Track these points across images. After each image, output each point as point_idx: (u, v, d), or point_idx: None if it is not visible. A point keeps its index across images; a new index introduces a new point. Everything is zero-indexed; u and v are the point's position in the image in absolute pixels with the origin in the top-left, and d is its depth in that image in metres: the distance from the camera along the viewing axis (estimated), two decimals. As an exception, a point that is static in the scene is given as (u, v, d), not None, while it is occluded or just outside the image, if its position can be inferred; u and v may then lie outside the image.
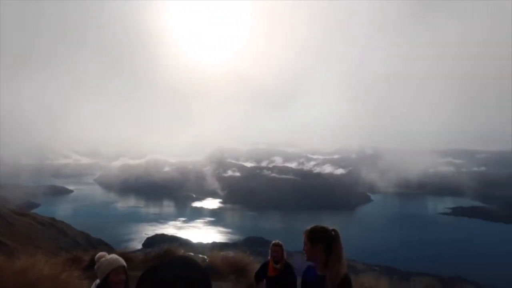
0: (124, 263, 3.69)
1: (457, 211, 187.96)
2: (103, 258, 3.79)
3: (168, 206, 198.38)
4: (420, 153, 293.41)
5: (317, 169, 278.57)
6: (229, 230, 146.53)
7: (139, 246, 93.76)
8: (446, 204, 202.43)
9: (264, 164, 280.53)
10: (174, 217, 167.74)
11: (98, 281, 3.77)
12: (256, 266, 8.11)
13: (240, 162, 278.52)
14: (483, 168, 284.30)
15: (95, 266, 3.76)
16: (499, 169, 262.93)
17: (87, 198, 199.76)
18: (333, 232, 3.30)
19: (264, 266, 6.17)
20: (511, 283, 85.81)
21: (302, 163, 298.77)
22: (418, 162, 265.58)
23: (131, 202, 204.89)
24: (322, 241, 3.20)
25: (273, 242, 6.10)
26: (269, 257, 6.13)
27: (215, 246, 65.72)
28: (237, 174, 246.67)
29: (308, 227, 3.30)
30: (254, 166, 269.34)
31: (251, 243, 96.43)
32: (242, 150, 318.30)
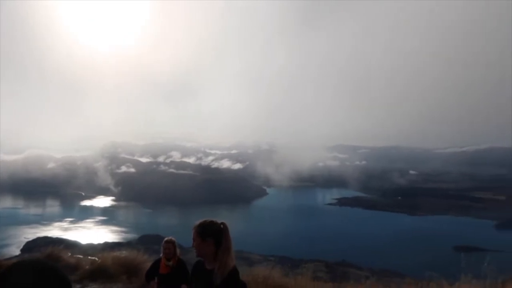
0: None
1: (342, 202, 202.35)
2: None
3: (52, 206, 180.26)
4: (311, 148, 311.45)
5: (215, 164, 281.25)
6: (123, 228, 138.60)
7: (17, 252, 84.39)
8: (333, 195, 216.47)
9: (161, 159, 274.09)
10: (60, 218, 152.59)
11: None
12: None
13: (135, 157, 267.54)
14: (364, 162, 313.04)
15: None
16: (377, 163, 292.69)
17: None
18: (221, 226, 3.23)
19: (156, 264, 6.02)
20: (387, 263, 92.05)
21: (201, 158, 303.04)
22: (309, 156, 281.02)
23: (7, 203, 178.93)
24: (212, 235, 3.17)
25: (165, 239, 5.99)
26: (161, 255, 5.99)
27: (107, 246, 60.96)
28: (132, 170, 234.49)
29: (197, 222, 3.30)
30: (150, 162, 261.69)
31: (146, 241, 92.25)
32: (138, 144, 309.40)
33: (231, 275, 2.99)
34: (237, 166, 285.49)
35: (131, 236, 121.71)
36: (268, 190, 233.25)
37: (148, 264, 8.98)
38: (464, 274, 4.22)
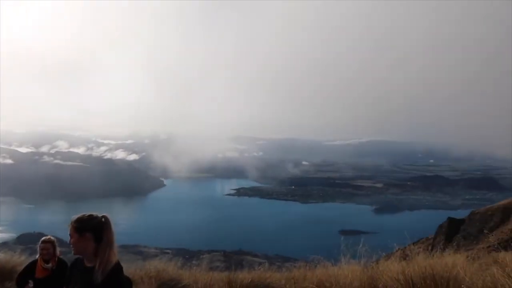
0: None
1: (240, 192, 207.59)
2: None
3: None
4: (210, 139, 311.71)
5: (108, 155, 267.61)
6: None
7: None
8: (232, 185, 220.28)
9: (44, 149, 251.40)
10: None
11: None
12: None
13: (13, 147, 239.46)
14: (261, 153, 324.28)
15: None
16: (274, 154, 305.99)
17: None
18: (103, 219, 2.97)
19: (30, 266, 5.30)
20: (281, 249, 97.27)
21: (92, 149, 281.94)
22: (208, 147, 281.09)
23: None
24: (91, 230, 2.90)
25: (42, 238, 5.32)
26: (37, 256, 5.31)
27: (-24, 248, 51.78)
28: (9, 161, 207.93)
29: (74, 217, 2.96)
30: (31, 152, 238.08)
31: (26, 240, 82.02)
32: (16, 133, 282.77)
33: (113, 271, 2.79)
34: (133, 156, 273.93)
35: (8, 235, 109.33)
36: (165, 181, 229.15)
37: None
38: (344, 255, 4.61)
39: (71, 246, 2.89)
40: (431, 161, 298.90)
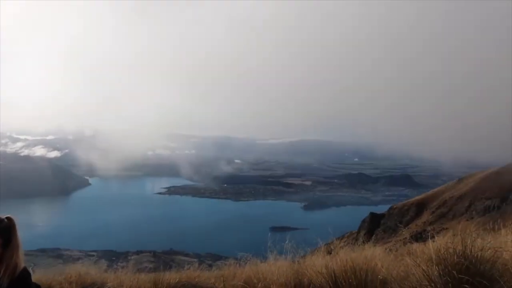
0: None
1: (171, 190, 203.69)
2: None
3: None
4: (140, 136, 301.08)
5: (25, 151, 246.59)
6: None
7: None
8: (163, 184, 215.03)
9: None
10: None
11: None
12: None
13: None
14: (193, 151, 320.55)
15: None
16: (207, 152, 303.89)
17: None
18: (6, 220, 2.70)
19: None
20: (213, 247, 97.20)
21: (6, 145, 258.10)
22: (137, 144, 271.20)
23: None
24: (0, 234, 2.62)
25: None
26: None
27: None
28: None
29: None
30: None
31: None
32: None
33: (20, 277, 2.57)
34: (54, 154, 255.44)
35: None
36: (91, 180, 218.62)
37: None
38: (271, 252, 4.72)
39: None
40: (356, 159, 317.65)
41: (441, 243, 3.50)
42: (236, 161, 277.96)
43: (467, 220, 36.56)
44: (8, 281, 2.50)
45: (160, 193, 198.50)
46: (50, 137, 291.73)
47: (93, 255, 69.56)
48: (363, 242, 5.87)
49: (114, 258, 66.42)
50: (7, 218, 2.67)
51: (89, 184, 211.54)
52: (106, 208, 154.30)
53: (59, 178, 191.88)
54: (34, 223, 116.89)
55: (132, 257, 74.87)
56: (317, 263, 4.18)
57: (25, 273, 2.63)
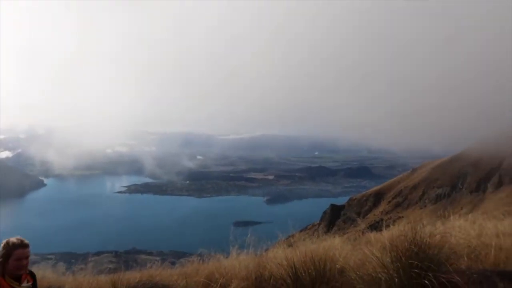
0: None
1: (131, 189, 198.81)
2: None
3: None
4: (97, 133, 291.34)
5: None
6: None
7: None
8: (122, 182, 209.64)
9: None
10: None
11: None
12: None
13: None
14: (154, 148, 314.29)
15: None
16: (167, 148, 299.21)
17: None
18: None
19: None
20: (177, 244, 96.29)
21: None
22: (95, 142, 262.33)
23: None
24: None
25: (13, 240, 3.15)
26: None
27: None
28: None
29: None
30: None
31: None
32: None
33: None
34: (5, 154, 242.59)
35: None
36: (46, 180, 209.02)
37: None
38: (232, 246, 4.78)
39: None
40: (316, 153, 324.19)
41: (395, 232, 3.71)
42: (198, 157, 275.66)
43: (421, 208, 38.53)
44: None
45: (120, 192, 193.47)
46: (0, 137, 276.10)
47: (50, 258, 66.84)
48: (324, 233, 6.06)
49: (73, 261, 63.86)
50: None
51: (45, 184, 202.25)
52: (64, 209, 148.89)
53: (11, 179, 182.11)
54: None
55: (92, 259, 72.37)
56: (278, 256, 4.29)
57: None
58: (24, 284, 3.08)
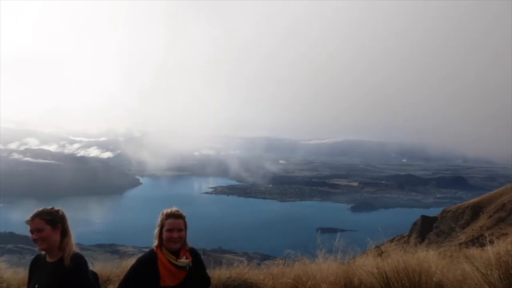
0: None
1: (217, 190, 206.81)
2: None
3: None
4: (186, 137, 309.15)
5: (81, 152, 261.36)
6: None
7: None
8: (209, 184, 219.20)
9: (13, 146, 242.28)
10: None
11: None
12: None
13: None
14: (238, 152, 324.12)
15: None
16: (250, 152, 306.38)
17: None
18: (60, 212, 2.95)
19: (142, 269, 2.95)
20: (260, 246, 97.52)
21: (64, 146, 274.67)
22: (184, 145, 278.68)
23: None
24: (60, 222, 2.88)
25: (166, 211, 3.09)
26: (154, 246, 3.02)
27: None
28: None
29: (37, 211, 2.86)
30: None
31: None
32: None
33: (79, 263, 2.78)
34: (107, 154, 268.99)
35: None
36: (141, 179, 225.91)
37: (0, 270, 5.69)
38: (320, 250, 4.74)
39: (40, 241, 2.78)
40: (404, 160, 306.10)
41: (502, 248, 3.35)
42: (281, 161, 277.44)
43: (529, 225, 34.13)
44: (69, 267, 2.70)
45: (207, 193, 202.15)
46: (102, 139, 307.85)
47: (145, 251, 72.87)
48: (415, 244, 5.70)
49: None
50: (59, 209, 2.92)
51: (140, 183, 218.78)
52: (156, 206, 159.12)
53: (112, 177, 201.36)
54: (91, 220, 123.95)
55: (183, 255, 76.89)
56: (367, 264, 4.14)
57: (82, 259, 2.83)
58: (183, 259, 2.95)
